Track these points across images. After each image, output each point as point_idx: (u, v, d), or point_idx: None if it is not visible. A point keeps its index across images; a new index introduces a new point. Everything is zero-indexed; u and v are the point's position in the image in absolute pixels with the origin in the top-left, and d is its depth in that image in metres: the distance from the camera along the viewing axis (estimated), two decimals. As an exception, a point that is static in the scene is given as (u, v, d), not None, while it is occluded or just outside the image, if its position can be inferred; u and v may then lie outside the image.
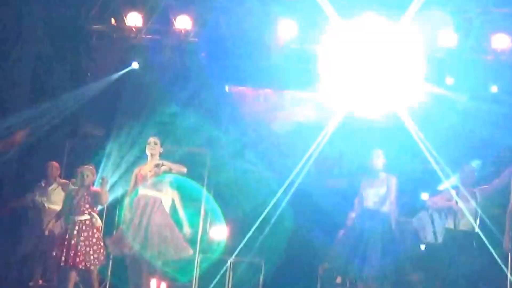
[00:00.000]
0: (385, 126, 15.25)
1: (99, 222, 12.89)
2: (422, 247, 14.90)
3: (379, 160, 11.79)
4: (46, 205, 13.80)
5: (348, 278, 12.09)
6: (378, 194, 11.52)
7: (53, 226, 12.95)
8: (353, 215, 12.28)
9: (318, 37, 15.08)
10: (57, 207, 13.48)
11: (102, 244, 12.67)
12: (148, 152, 11.96)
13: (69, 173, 15.39)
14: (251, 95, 17.31)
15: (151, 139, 12.17)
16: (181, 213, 12.82)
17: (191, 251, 12.40)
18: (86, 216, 12.56)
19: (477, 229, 11.64)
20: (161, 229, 11.88)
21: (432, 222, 13.00)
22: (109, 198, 13.59)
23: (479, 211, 11.74)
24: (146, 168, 11.78)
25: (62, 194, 13.61)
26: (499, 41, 15.59)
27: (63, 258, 12.26)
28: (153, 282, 14.27)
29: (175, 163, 12.24)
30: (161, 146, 12.07)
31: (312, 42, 15.52)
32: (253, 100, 17.40)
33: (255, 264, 15.34)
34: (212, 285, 14.86)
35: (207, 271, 15.30)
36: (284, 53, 16.25)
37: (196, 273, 15.27)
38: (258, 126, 17.13)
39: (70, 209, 12.57)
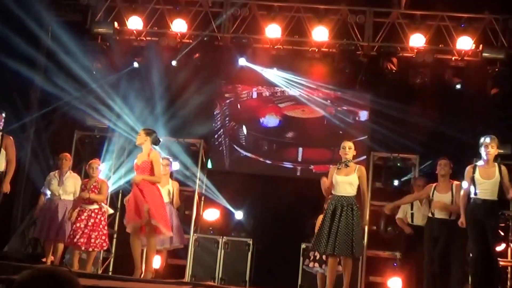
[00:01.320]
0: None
1: (108, 211, 13.16)
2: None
3: (350, 150, 11.80)
4: (61, 195, 13.49)
5: (321, 253, 12.07)
6: (348, 181, 11.54)
7: (71, 215, 12.98)
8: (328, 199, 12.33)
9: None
10: (70, 196, 13.43)
11: (105, 231, 12.92)
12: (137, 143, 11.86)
13: (76, 160, 15.64)
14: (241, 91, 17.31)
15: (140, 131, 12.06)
16: (176, 200, 13.26)
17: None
18: (95, 206, 12.82)
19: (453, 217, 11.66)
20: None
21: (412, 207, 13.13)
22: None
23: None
24: (138, 158, 11.67)
25: (74, 184, 13.47)
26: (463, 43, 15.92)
27: (68, 240, 12.69)
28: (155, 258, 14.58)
29: None
30: (148, 135, 11.65)
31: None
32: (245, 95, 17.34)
33: (244, 242, 15.08)
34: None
35: (200, 248, 15.17)
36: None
37: (191, 250, 15.18)
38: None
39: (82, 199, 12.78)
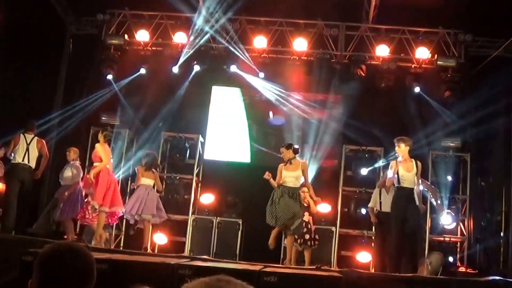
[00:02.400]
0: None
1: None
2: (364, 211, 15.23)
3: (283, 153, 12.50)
4: (61, 180, 13.89)
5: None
6: (294, 176, 12.30)
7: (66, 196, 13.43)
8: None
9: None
10: (66, 181, 13.68)
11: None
12: None
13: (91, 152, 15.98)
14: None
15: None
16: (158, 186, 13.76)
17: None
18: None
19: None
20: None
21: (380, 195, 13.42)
22: None
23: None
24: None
25: (71, 172, 13.76)
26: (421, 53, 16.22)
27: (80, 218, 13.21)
28: (157, 235, 15.01)
29: None
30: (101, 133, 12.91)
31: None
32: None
33: (235, 223, 15.22)
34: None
35: (197, 228, 15.34)
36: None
37: (189, 229, 15.38)
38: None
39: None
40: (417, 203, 11.60)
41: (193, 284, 2.03)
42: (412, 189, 11.61)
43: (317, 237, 12.44)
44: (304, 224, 12.15)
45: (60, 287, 3.12)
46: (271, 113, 17.30)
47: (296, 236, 12.09)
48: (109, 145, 13.03)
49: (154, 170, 13.50)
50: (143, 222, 13.07)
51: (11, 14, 14.74)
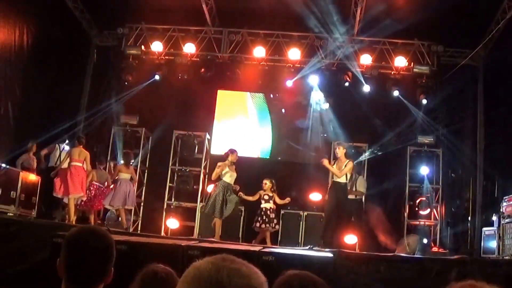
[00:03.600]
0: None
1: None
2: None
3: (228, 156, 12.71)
4: None
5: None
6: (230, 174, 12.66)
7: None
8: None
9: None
10: None
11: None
12: None
13: (113, 149, 16.22)
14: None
15: None
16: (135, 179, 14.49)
17: None
18: None
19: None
20: None
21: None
22: None
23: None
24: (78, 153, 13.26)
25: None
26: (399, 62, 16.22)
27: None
28: (170, 220, 15.02)
29: None
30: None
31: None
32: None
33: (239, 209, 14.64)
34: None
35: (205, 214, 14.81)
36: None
37: (198, 215, 15.38)
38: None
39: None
40: (347, 193, 12.45)
41: (200, 263, 2.04)
42: (345, 183, 12.22)
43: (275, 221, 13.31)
44: (264, 210, 13.12)
45: (83, 265, 3.15)
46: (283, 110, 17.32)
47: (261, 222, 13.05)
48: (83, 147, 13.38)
49: (130, 165, 14.26)
50: (124, 210, 13.95)
51: (44, 28, 14.93)
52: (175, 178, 16.31)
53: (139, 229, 16.04)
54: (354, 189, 14.19)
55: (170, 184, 16.35)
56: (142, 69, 17.05)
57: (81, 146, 13.30)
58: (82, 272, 3.16)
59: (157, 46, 17.04)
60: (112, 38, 17.66)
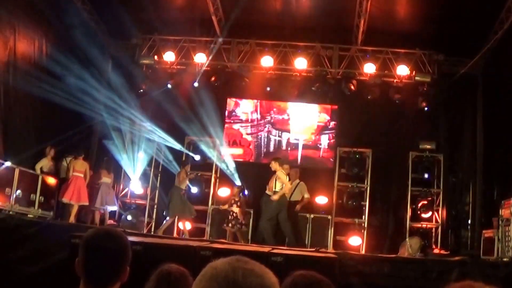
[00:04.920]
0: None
1: None
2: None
3: None
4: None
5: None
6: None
7: None
8: None
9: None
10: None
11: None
12: None
13: (128, 149, 16.24)
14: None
15: None
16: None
17: None
18: None
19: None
20: None
21: None
22: None
23: None
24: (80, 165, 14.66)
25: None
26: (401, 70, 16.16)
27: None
28: (181, 223, 14.98)
29: None
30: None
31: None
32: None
33: (248, 212, 14.96)
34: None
35: (216, 216, 15.38)
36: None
37: (209, 217, 15.46)
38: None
39: None
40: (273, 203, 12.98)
41: (217, 263, 2.11)
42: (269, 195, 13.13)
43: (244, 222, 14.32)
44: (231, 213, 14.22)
45: (100, 264, 3.17)
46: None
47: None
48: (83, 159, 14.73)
49: (110, 172, 15.41)
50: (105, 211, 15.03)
51: (61, 39, 15.01)
52: (187, 181, 15.97)
53: (152, 230, 16.07)
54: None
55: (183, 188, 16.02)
56: (155, 77, 17.09)
57: (82, 158, 14.52)
58: (99, 272, 3.17)
59: (169, 56, 17.05)
60: (126, 48, 17.66)
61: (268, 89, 16.86)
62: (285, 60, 16.79)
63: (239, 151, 17.19)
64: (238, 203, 14.35)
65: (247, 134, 17.42)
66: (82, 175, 14.32)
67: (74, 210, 14.03)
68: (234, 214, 14.21)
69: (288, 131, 17.21)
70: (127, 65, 16.98)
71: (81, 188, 14.17)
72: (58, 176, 14.76)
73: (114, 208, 15.55)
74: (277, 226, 13.05)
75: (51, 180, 14.33)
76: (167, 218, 14.56)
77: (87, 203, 14.34)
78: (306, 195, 14.32)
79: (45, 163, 14.35)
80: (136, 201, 16.43)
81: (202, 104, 16.51)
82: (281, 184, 13.11)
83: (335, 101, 16.94)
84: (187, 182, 15.01)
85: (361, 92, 16.36)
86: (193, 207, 14.77)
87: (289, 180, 13.56)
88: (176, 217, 14.63)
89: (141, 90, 16.93)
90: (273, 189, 13.11)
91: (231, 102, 17.54)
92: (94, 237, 3.25)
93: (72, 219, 13.71)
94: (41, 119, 15.00)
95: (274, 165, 13.05)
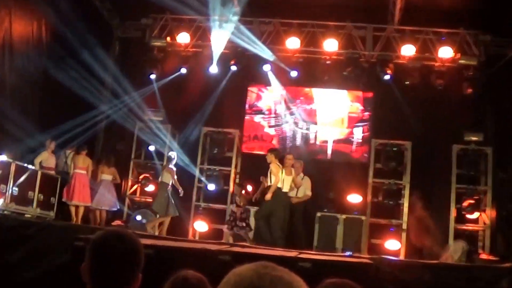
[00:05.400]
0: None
1: None
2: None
3: None
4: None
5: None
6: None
7: None
8: None
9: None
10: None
11: None
12: None
13: (138, 144, 16.62)
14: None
15: None
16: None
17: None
18: None
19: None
20: None
21: None
22: None
23: None
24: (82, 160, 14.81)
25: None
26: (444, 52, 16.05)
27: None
28: (198, 223, 15.19)
29: None
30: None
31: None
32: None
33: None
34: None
35: None
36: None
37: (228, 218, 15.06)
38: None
39: None
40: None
41: (241, 270, 2.09)
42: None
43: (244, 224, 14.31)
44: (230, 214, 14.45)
45: (110, 270, 3.16)
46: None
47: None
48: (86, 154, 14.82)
49: (110, 166, 15.29)
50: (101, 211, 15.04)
51: (63, 19, 14.91)
52: (204, 178, 16.38)
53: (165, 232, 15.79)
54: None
55: (199, 185, 16.41)
56: (167, 62, 17.19)
57: (84, 153, 14.55)
58: (109, 278, 3.16)
59: (183, 38, 17.07)
60: (135, 29, 17.74)
61: (294, 74, 16.76)
62: (313, 41, 16.72)
63: (259, 146, 17.11)
64: (239, 202, 14.44)
65: (270, 126, 17.44)
66: (84, 172, 14.49)
67: (81, 212, 14.29)
68: (234, 215, 14.34)
69: (316, 123, 17.22)
70: (136, 48, 17.18)
71: (85, 187, 14.38)
72: (56, 169, 14.79)
73: (113, 209, 15.52)
74: (287, 226, 13.10)
75: (51, 176, 14.29)
76: (157, 215, 14.76)
77: (90, 204, 14.57)
78: (308, 192, 14.24)
79: (45, 157, 14.31)
80: (147, 199, 16.41)
81: (219, 92, 16.73)
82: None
83: (369, 87, 16.94)
84: (174, 177, 14.69)
85: (399, 78, 16.25)
86: (176, 206, 14.69)
87: (294, 173, 13.44)
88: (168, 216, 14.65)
89: (152, 76, 16.95)
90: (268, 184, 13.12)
91: (252, 93, 17.57)
92: (103, 240, 3.23)
93: (78, 221, 13.92)
94: (40, 108, 15.04)
95: (270, 157, 12.98)
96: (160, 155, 16.35)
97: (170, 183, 14.55)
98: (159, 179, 14.93)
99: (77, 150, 14.77)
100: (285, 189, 12.96)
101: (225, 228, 14.55)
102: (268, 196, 12.76)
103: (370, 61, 16.66)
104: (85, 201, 14.40)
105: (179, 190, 14.56)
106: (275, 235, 12.56)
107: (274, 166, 12.86)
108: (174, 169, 14.70)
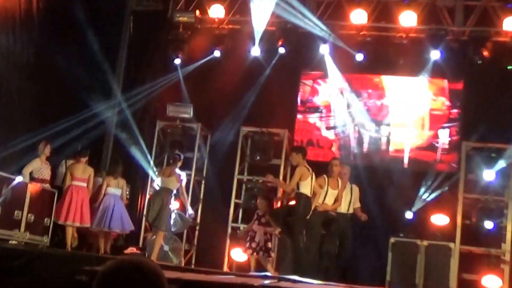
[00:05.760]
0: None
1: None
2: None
3: None
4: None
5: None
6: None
7: None
8: None
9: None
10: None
11: None
12: None
13: (158, 150, 16.47)
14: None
15: None
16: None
17: None
18: None
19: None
20: None
21: None
22: None
23: None
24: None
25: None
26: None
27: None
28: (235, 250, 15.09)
29: None
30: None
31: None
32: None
33: None
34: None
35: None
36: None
37: (274, 244, 14.93)
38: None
39: None
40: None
41: None
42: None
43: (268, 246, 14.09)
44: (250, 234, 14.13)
45: None
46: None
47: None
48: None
49: (118, 177, 14.59)
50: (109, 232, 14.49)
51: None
52: (243, 192, 16.14)
53: (193, 262, 15.99)
54: None
55: (236, 201, 16.13)
56: (196, 42, 17.04)
57: (85, 160, 14.17)
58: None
59: (217, 11, 16.87)
60: (155, 1, 17.40)
61: (360, 58, 16.22)
62: (384, 15, 16.37)
63: (315, 154, 16.59)
64: (262, 220, 13.99)
65: (328, 128, 16.95)
66: (84, 185, 14.00)
67: (69, 234, 13.85)
68: (253, 234, 13.99)
69: (389, 124, 16.69)
70: (156, 26, 17.03)
71: (83, 203, 13.90)
72: (52, 182, 14.60)
73: (125, 231, 15.10)
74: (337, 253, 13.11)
75: (46, 191, 13.97)
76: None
77: (89, 225, 14.11)
78: (357, 205, 13.96)
79: (37, 166, 13.95)
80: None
81: (263, 81, 16.40)
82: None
83: (459, 75, 16.25)
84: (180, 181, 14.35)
85: (499, 61, 15.68)
86: (168, 222, 14.31)
87: (341, 185, 13.36)
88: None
89: (176, 61, 16.76)
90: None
91: (305, 86, 17.07)
92: (115, 273, 3.13)
93: (68, 247, 13.61)
94: (31, 101, 14.89)
95: (296, 158, 12.76)
96: (187, 161, 15.84)
97: (172, 195, 14.27)
98: (158, 184, 14.51)
99: (77, 156, 14.34)
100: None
101: (245, 250, 14.26)
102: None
103: (461, 39, 16.19)
104: (84, 221, 13.91)
105: (187, 211, 14.37)
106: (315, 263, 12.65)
107: (303, 170, 12.60)
108: (184, 175, 14.53)
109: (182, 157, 14.62)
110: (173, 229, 14.43)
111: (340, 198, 13.25)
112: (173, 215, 14.32)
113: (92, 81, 15.74)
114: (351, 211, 13.69)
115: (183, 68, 16.76)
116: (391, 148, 16.60)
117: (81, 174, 13.98)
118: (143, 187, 16.37)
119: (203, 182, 16.51)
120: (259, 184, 15.92)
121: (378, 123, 16.63)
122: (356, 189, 13.98)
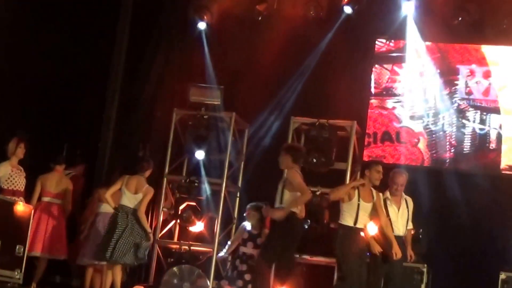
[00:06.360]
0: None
1: None
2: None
3: None
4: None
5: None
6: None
7: None
8: None
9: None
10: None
11: None
12: None
13: (175, 150, 15.75)
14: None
15: None
16: None
17: None
18: None
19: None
20: None
21: None
22: None
23: None
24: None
25: None
26: None
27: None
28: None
29: None
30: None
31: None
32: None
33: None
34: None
35: None
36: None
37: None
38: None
39: None
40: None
41: None
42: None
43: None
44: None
45: None
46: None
47: None
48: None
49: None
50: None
51: None
52: None
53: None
54: None
55: None
56: (224, 3, 16.75)
57: (61, 169, 14.04)
58: None
59: None
60: None
61: (457, 20, 15.63)
62: None
63: (392, 153, 16.46)
64: (258, 241, 13.57)
65: (413, 118, 16.40)
66: (59, 202, 13.84)
67: (41, 268, 13.74)
68: (244, 258, 13.58)
69: (498, 111, 15.93)
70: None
71: (56, 228, 13.79)
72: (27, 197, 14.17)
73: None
74: None
75: (19, 207, 13.27)
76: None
77: (63, 257, 13.95)
78: (410, 225, 13.21)
79: (5, 172, 13.51)
80: (193, 246, 15.24)
81: (320, 55, 16.05)
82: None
83: None
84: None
85: None
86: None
87: (377, 197, 12.59)
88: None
89: (201, 26, 16.54)
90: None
91: (384, 70, 16.59)
92: None
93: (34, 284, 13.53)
94: (8, 93, 14.89)
95: (285, 160, 12.53)
96: (214, 166, 15.59)
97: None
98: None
99: (51, 163, 14.12)
100: (360, 224, 12.31)
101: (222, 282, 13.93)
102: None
103: None
104: (55, 252, 13.75)
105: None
106: None
107: (294, 175, 12.38)
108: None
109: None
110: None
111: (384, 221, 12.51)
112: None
113: (84, 56, 15.80)
114: (400, 232, 12.86)
115: (209, 36, 16.53)
116: (503, 146, 15.85)
117: (55, 188, 13.78)
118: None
119: (238, 192, 15.87)
120: (317, 195, 14.65)
121: (485, 112, 16.01)
122: (411, 202, 13.10)
